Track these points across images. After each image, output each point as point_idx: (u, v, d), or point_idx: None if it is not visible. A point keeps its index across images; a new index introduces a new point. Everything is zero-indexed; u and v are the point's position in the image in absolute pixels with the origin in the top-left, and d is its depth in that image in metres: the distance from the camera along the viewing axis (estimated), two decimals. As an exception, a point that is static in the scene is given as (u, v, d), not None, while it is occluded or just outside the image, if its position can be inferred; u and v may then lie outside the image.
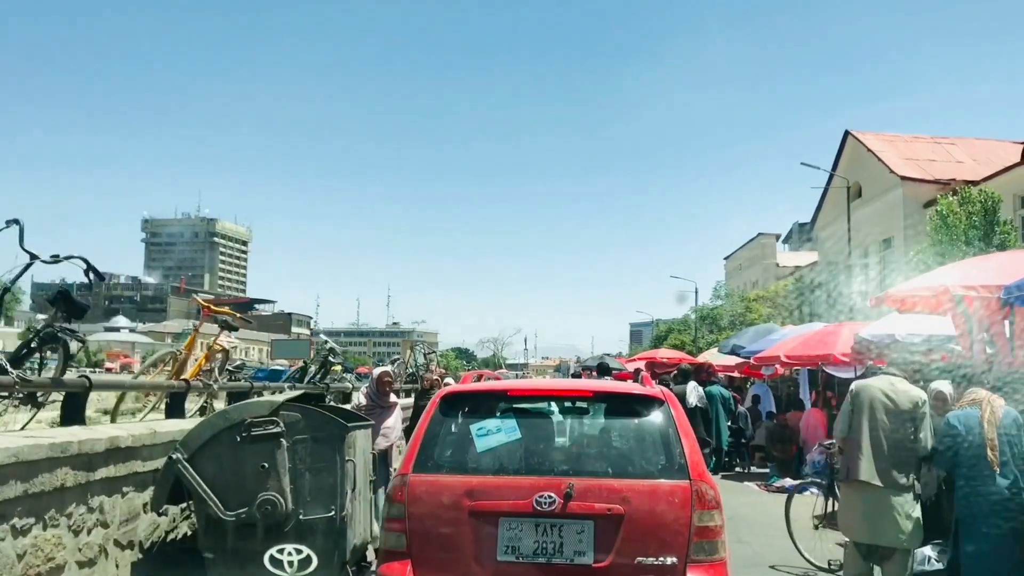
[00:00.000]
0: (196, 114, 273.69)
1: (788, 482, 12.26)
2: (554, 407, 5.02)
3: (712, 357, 19.28)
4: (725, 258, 62.37)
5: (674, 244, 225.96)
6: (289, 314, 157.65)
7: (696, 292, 62.08)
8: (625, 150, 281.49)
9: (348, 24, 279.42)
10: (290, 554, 4.78)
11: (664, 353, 30.53)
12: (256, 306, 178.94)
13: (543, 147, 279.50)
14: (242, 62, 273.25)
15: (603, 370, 14.60)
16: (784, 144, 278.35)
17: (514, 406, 4.77)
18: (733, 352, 16.86)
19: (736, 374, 19.04)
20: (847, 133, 36.06)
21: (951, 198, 20.94)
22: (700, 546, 4.15)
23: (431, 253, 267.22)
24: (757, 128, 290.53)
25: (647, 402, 4.70)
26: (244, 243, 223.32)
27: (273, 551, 4.81)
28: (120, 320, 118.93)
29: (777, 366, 16.47)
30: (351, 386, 13.01)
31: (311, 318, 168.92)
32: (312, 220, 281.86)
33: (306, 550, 4.82)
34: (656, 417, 4.59)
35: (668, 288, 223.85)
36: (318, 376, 11.97)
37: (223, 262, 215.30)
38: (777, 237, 54.78)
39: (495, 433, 4.53)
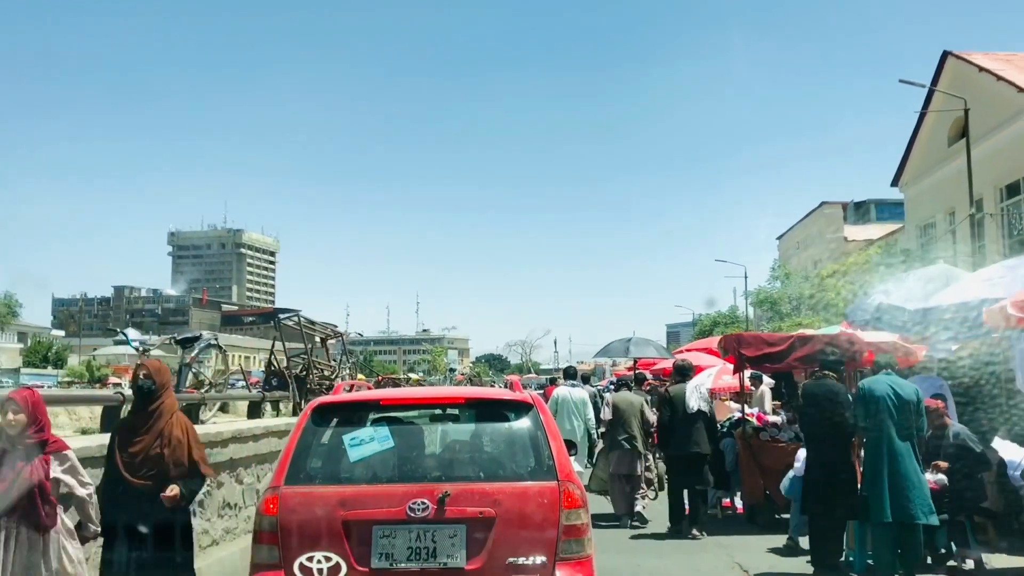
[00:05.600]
0: (221, 125, 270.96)
1: None
2: (427, 415, 5.16)
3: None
4: (778, 237, 54.47)
5: (712, 239, 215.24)
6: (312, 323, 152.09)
7: (745, 277, 54.81)
8: (655, 149, 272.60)
9: (374, 32, 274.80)
10: None
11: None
12: (280, 315, 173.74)
13: (573, 149, 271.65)
14: (267, 72, 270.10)
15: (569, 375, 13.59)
16: (832, 125, 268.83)
17: (387, 415, 4.84)
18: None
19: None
20: (946, 55, 28.11)
21: None
22: (568, 545, 4.24)
23: (461, 258, 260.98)
24: (797, 115, 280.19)
25: (517, 407, 4.79)
26: (272, 253, 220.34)
27: None
28: (130, 333, 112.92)
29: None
30: None
31: (335, 326, 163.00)
32: (340, 229, 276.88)
33: None
34: (525, 421, 4.67)
35: (707, 284, 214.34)
36: None
37: (251, 273, 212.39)
38: (844, 206, 46.37)
39: (368, 442, 4.51)
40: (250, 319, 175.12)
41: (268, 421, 8.60)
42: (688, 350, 23.57)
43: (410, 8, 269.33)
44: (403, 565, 4.14)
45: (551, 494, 4.27)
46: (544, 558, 4.17)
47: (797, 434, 9.48)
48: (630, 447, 10.29)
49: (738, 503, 10.55)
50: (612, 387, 14.85)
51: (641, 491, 10.52)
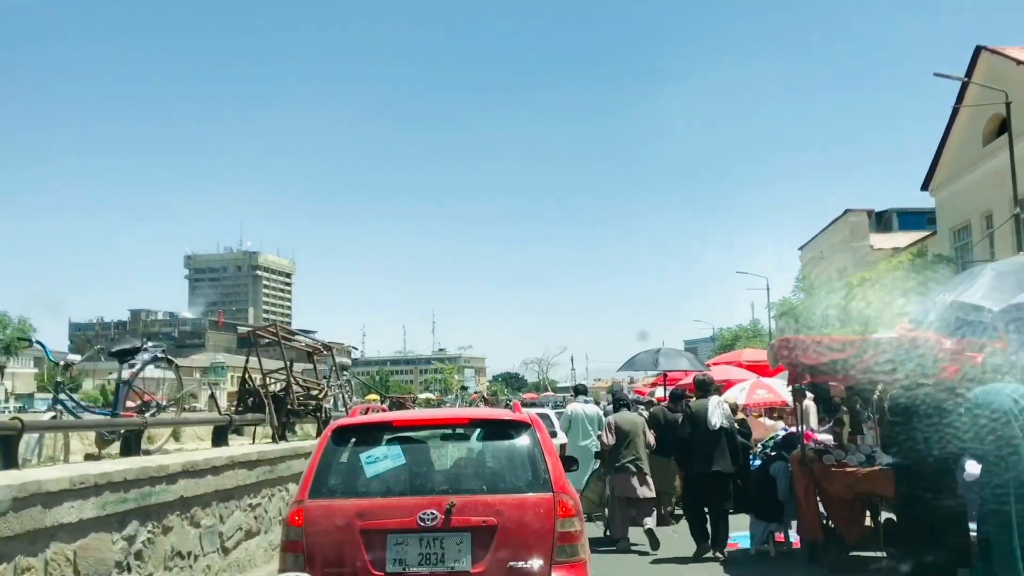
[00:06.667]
0: (236, 147, 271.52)
1: None
2: (435, 435, 5.62)
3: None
4: (800, 248, 52.94)
5: (730, 251, 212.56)
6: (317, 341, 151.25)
7: (767, 289, 53.44)
8: (671, 162, 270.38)
9: (386, 53, 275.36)
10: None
11: (750, 355, 22.21)
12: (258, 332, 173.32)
13: (588, 164, 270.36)
14: (282, 93, 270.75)
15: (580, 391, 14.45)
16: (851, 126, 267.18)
17: (399, 435, 5.26)
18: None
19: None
20: (979, 50, 26.77)
21: None
22: (562, 549, 4.62)
23: (477, 277, 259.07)
24: (814, 126, 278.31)
25: (516, 426, 5.22)
26: (287, 275, 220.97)
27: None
28: (144, 356, 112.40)
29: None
30: None
31: (352, 347, 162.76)
32: (356, 249, 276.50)
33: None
34: (524, 439, 5.11)
35: (727, 297, 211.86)
36: None
37: (267, 295, 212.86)
38: (869, 214, 44.71)
39: (382, 460, 4.92)
40: (266, 340, 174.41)
41: (234, 450, 7.30)
42: (716, 363, 22.23)
43: (423, 27, 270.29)
44: (415, 569, 4.55)
45: (547, 504, 4.69)
46: (541, 562, 4.56)
47: (869, 456, 8.09)
48: (636, 469, 9.96)
49: (793, 537, 9.11)
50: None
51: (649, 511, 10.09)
